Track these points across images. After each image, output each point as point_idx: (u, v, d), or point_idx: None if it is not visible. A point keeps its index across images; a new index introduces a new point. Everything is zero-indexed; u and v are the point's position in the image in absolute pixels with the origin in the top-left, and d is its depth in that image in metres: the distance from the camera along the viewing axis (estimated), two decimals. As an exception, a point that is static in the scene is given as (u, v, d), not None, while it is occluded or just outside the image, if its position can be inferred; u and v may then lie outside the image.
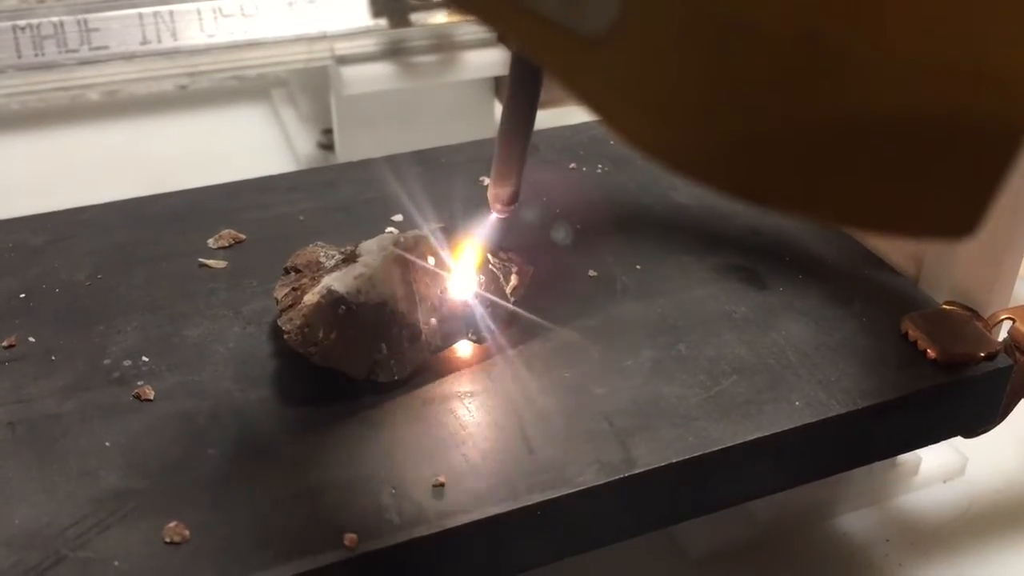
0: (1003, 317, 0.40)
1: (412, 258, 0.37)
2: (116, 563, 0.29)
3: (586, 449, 0.34)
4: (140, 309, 0.39)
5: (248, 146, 0.73)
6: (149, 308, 0.39)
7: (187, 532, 0.30)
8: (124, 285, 0.41)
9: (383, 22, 0.64)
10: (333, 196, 0.47)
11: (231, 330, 0.39)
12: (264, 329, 0.38)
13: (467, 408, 0.35)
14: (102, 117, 0.76)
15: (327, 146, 0.71)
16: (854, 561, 0.45)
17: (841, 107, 0.20)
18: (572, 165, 0.50)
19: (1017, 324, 0.39)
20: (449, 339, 0.37)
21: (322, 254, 0.39)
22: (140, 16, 0.60)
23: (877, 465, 0.45)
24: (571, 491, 0.32)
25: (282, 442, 0.34)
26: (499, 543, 0.32)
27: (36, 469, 0.32)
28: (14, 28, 0.58)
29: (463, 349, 0.38)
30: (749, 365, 0.38)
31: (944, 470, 0.48)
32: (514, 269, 0.40)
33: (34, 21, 0.58)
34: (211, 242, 0.43)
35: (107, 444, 0.33)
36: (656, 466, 0.33)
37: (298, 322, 0.35)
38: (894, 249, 0.43)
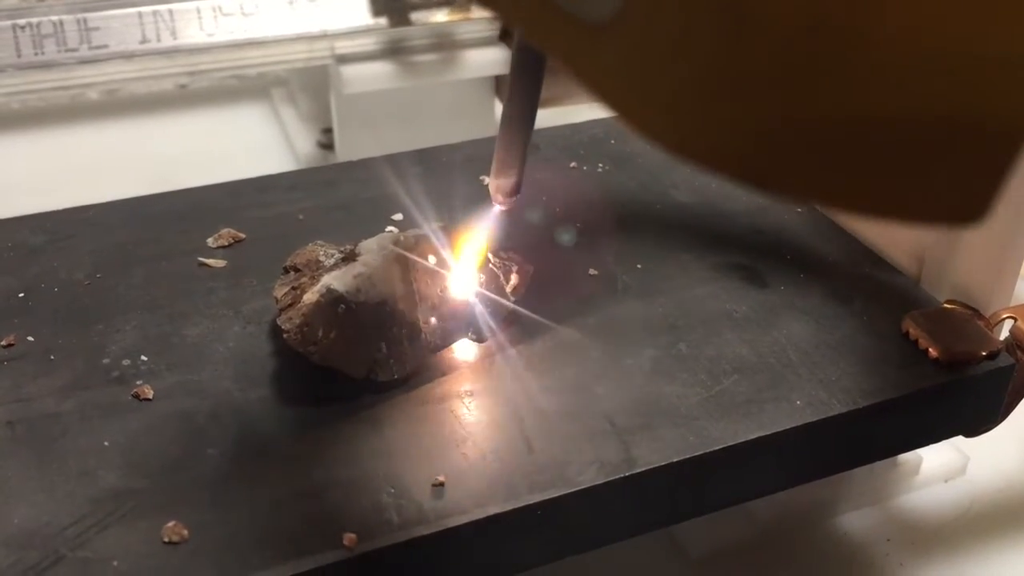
0: (1004, 316, 0.40)
1: (412, 257, 0.37)
2: (115, 563, 0.29)
3: (586, 448, 0.34)
4: (139, 308, 0.39)
5: (248, 145, 0.73)
6: (148, 307, 0.39)
7: (186, 532, 0.30)
8: (123, 284, 0.41)
9: (383, 21, 0.64)
10: (333, 195, 0.47)
11: (231, 329, 0.38)
12: (264, 328, 0.38)
13: (467, 407, 0.35)
14: (102, 116, 0.76)
15: (327, 145, 0.71)
16: (855, 561, 0.45)
17: (847, 96, 0.20)
18: (572, 164, 0.50)
19: (1019, 323, 0.39)
20: (449, 338, 0.37)
21: (322, 253, 0.39)
22: (140, 15, 0.60)
23: (878, 464, 0.45)
24: (571, 491, 0.32)
25: (281, 441, 0.34)
26: (499, 543, 0.32)
27: (35, 468, 0.32)
28: (14, 27, 0.58)
29: (463, 348, 0.38)
30: (750, 364, 0.37)
31: (945, 469, 0.48)
32: (514, 268, 0.39)
33: (34, 20, 0.58)
34: (211, 241, 0.43)
35: (106, 443, 0.33)
36: (657, 465, 0.33)
37: (297, 321, 0.35)
38: (895, 248, 0.43)
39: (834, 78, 0.20)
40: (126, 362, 0.37)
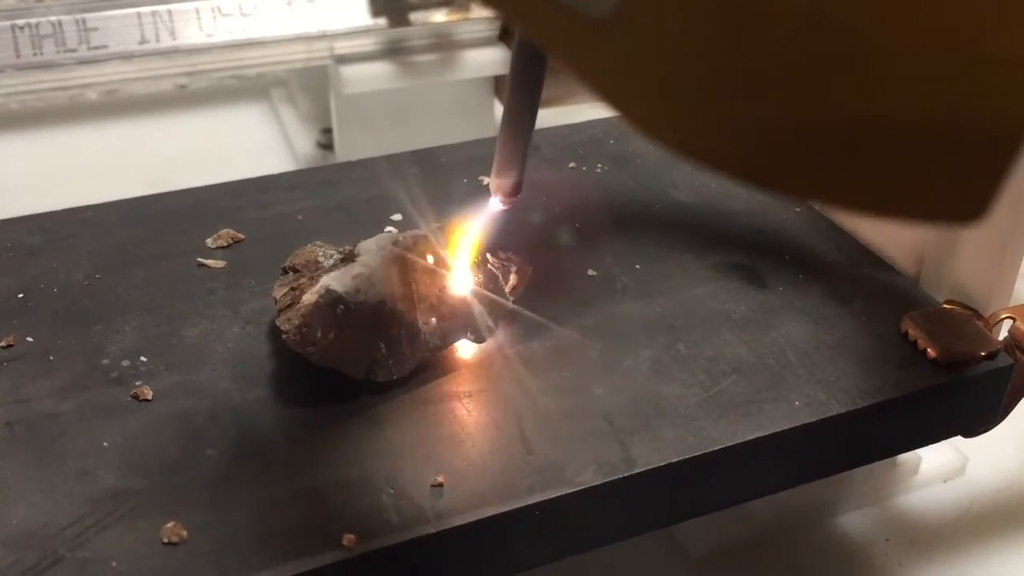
0: (1003, 316, 0.40)
1: (411, 257, 0.37)
2: (114, 563, 0.29)
3: (585, 449, 0.34)
4: (138, 309, 0.39)
5: (247, 145, 0.73)
6: (147, 308, 0.39)
7: (185, 532, 0.30)
8: (122, 285, 0.41)
9: (382, 21, 0.64)
10: (332, 195, 0.47)
11: (230, 330, 0.38)
12: (263, 329, 0.38)
13: (466, 408, 0.35)
14: (101, 117, 0.76)
15: (326, 145, 0.71)
16: (854, 561, 0.45)
17: (848, 96, 0.20)
18: (572, 164, 0.50)
19: (1018, 323, 0.39)
20: (448, 338, 0.37)
21: (321, 253, 0.39)
22: (139, 15, 0.60)
23: (877, 465, 0.45)
24: (570, 491, 0.32)
25: (280, 442, 0.34)
26: (498, 543, 0.32)
27: (34, 469, 0.32)
28: (13, 27, 0.58)
29: (462, 348, 0.38)
30: (749, 364, 0.37)
31: (944, 470, 0.48)
32: (513, 268, 0.39)
33: (33, 20, 0.58)
34: (210, 242, 0.43)
35: (105, 444, 0.33)
36: (656, 466, 0.33)
37: (296, 322, 0.35)
38: (895, 248, 0.43)
39: (834, 77, 0.20)
40: (125, 363, 0.37)
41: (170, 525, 0.30)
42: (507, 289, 0.39)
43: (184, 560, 0.30)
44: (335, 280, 0.36)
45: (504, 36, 0.66)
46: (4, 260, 0.42)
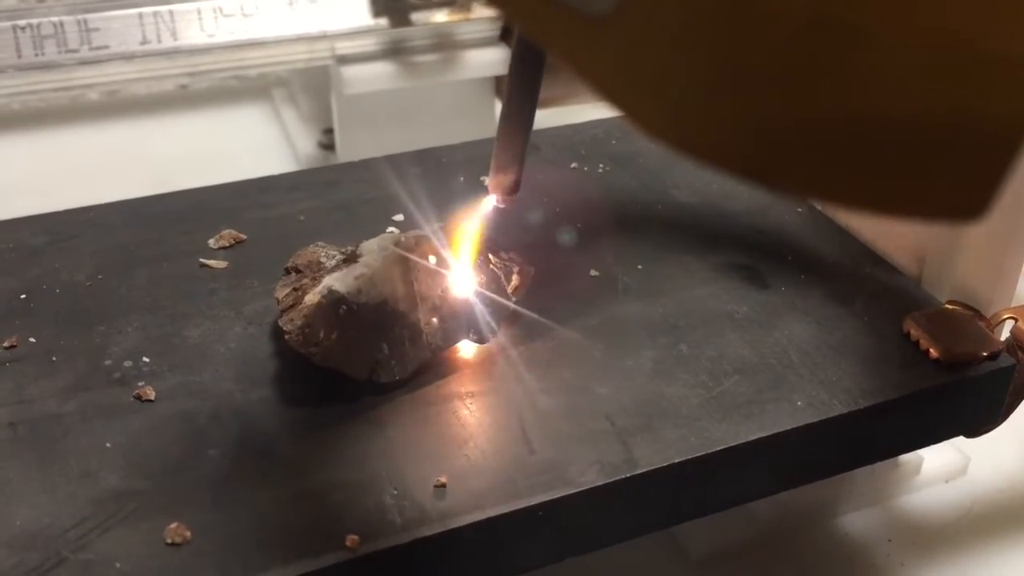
0: (1005, 316, 0.40)
1: (413, 258, 0.37)
2: (117, 564, 0.29)
3: (587, 449, 0.34)
4: (141, 309, 0.39)
5: (249, 146, 0.73)
6: (150, 308, 0.39)
7: (188, 533, 0.30)
8: (125, 285, 0.41)
9: (384, 21, 0.64)
10: (334, 196, 0.47)
11: (232, 330, 0.38)
12: (265, 329, 0.38)
13: (468, 408, 0.35)
14: (102, 117, 0.76)
15: (328, 146, 0.71)
16: (856, 561, 0.45)
17: (848, 94, 0.20)
18: (573, 165, 0.50)
19: (1019, 323, 0.39)
20: (450, 339, 0.37)
21: (323, 254, 0.39)
22: (140, 16, 0.60)
23: (879, 465, 0.45)
24: (573, 491, 0.32)
25: (283, 443, 0.34)
26: (500, 543, 0.32)
27: (37, 470, 0.32)
28: (14, 28, 0.58)
29: (464, 349, 0.38)
30: (751, 365, 0.37)
31: (946, 470, 0.48)
32: (515, 269, 0.40)
33: (34, 21, 0.58)
34: (212, 242, 0.43)
35: (108, 445, 0.33)
36: (658, 466, 0.33)
37: (299, 322, 0.35)
38: (896, 248, 0.43)
39: (835, 76, 0.20)
40: (128, 363, 0.37)
41: (173, 526, 0.30)
42: (509, 289, 0.39)
43: (187, 561, 0.30)
44: (337, 281, 0.36)
45: (505, 36, 0.66)
46: (7, 261, 0.42)
